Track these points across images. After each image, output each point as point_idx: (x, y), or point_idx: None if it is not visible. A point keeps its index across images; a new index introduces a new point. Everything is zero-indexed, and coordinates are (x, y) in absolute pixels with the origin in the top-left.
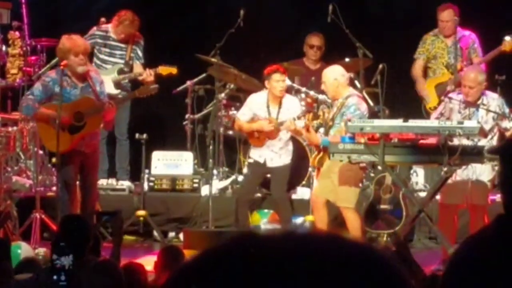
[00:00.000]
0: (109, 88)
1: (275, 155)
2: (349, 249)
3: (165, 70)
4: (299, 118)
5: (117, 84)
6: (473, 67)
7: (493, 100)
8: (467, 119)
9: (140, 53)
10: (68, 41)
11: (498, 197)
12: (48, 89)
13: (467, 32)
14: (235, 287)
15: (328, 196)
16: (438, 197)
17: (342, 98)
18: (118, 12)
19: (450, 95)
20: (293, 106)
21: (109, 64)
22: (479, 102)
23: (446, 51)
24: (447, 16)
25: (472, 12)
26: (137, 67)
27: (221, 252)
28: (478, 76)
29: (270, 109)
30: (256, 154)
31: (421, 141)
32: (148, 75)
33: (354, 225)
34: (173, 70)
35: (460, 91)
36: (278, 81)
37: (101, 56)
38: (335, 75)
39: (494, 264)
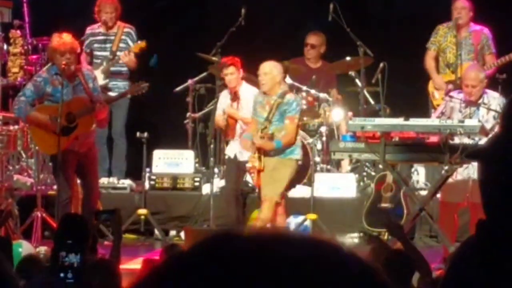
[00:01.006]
0: (99, 79)
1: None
2: (320, 249)
3: (136, 47)
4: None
5: (106, 73)
6: (473, 65)
7: (494, 99)
8: (468, 118)
9: (130, 43)
10: (55, 40)
11: None
12: (40, 89)
13: (478, 27)
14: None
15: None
16: (438, 195)
17: (277, 96)
18: None
19: (451, 93)
20: (250, 95)
21: (100, 58)
22: (480, 101)
23: (457, 45)
24: (461, 3)
25: (486, 10)
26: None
27: (193, 253)
28: (479, 75)
29: (233, 103)
30: (229, 150)
31: (422, 140)
32: (124, 55)
33: (267, 217)
34: (142, 44)
35: (461, 90)
36: (226, 74)
37: (94, 53)
38: (279, 70)
39: (482, 267)
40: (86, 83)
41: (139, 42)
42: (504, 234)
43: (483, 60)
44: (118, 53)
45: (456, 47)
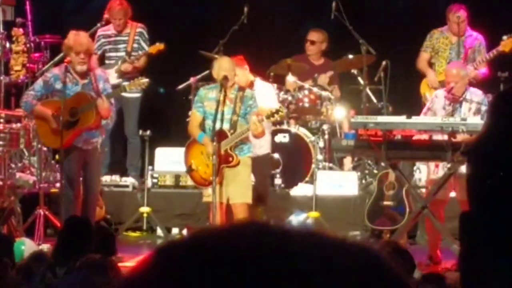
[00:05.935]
0: (112, 79)
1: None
2: (349, 248)
3: (153, 49)
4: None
5: (120, 73)
6: (455, 63)
7: (476, 96)
8: (451, 116)
9: (143, 44)
10: (73, 38)
11: None
12: (49, 85)
13: (474, 33)
14: (242, 275)
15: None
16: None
17: (235, 90)
18: None
19: (436, 92)
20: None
21: (114, 59)
22: (462, 97)
23: (448, 47)
24: (460, 17)
25: (473, 12)
26: (142, 58)
27: (232, 234)
28: (460, 71)
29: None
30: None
31: (424, 138)
32: (126, 67)
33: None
34: (160, 47)
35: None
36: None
37: (107, 54)
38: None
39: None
40: (96, 82)
41: (157, 44)
42: (484, 226)
43: (472, 62)
44: (133, 53)
45: (455, 49)
